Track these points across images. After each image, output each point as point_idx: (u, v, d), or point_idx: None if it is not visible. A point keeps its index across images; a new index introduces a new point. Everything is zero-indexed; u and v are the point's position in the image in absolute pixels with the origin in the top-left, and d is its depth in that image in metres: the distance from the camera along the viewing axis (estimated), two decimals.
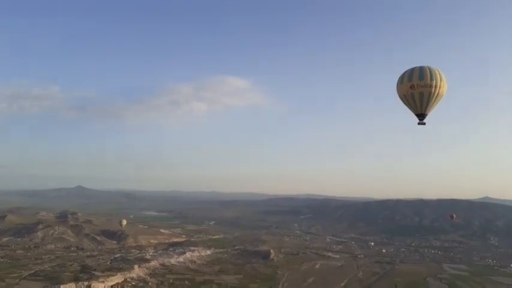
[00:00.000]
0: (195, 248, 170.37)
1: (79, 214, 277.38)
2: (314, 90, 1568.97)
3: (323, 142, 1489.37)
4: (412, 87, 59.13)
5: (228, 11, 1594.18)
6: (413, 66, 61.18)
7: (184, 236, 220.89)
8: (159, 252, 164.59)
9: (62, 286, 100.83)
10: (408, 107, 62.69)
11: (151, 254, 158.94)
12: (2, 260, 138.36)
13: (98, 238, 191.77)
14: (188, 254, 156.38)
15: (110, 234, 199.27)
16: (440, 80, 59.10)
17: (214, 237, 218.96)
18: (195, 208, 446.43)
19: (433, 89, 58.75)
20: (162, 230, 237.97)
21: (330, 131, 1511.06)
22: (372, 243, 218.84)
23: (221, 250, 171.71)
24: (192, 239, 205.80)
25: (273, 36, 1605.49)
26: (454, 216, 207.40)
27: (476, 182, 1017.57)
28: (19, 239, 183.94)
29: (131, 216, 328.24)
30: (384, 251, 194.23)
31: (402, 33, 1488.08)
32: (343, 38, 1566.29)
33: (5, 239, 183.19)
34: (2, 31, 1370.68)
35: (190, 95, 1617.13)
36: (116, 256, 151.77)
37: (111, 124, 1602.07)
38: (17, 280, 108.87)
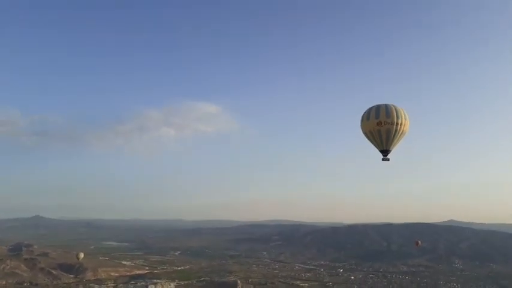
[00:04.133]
0: (158, 281, 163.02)
1: (34, 246, 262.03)
2: (285, 114, 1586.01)
3: (292, 167, 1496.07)
4: (379, 124, 60.55)
5: (198, 37, 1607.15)
6: (378, 103, 63.33)
7: (147, 267, 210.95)
8: (119, 285, 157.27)
9: None
10: (373, 143, 63.69)
11: None
12: None
13: (54, 272, 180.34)
14: (150, 287, 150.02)
15: (67, 268, 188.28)
16: (405, 119, 61.77)
17: (179, 268, 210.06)
18: (159, 237, 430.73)
19: (399, 126, 60.88)
20: (123, 262, 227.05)
21: (300, 155, 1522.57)
22: (341, 270, 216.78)
23: (186, 282, 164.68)
24: (156, 271, 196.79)
25: (244, 62, 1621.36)
26: (419, 242, 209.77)
27: (442, 205, 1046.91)
28: None
29: (92, 247, 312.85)
30: (352, 277, 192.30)
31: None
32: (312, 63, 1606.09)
33: None
34: None
35: (159, 121, 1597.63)
36: None
37: (73, 150, 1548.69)
38: None
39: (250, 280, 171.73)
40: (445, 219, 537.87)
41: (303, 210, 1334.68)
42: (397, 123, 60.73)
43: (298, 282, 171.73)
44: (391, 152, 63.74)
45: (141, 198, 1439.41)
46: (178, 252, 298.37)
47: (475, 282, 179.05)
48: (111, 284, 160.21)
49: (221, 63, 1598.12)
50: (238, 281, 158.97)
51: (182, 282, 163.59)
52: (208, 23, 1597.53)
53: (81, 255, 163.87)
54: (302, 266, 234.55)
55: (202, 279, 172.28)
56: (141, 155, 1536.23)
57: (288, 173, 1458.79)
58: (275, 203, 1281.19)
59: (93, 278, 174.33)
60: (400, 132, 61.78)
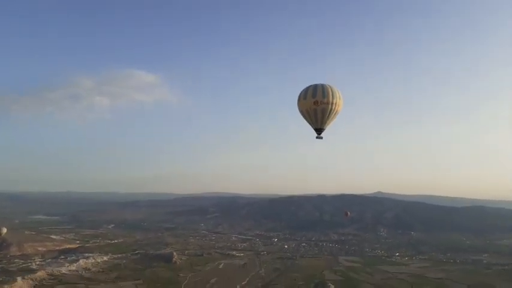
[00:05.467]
0: (90, 255, 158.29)
1: None
2: (227, 86, 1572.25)
3: (230, 139, 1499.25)
4: (315, 103, 62.22)
5: (138, 2, 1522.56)
6: (315, 82, 64.72)
7: (78, 241, 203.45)
8: (47, 261, 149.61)
9: None
10: (308, 121, 65.34)
11: (38, 263, 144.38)
12: None
13: None
14: (82, 262, 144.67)
15: None
16: (339, 98, 63.98)
17: (113, 241, 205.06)
18: (92, 211, 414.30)
19: (333, 106, 62.95)
20: (52, 236, 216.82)
21: (240, 128, 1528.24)
22: (276, 240, 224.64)
23: (119, 255, 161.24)
24: (87, 245, 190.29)
25: (187, 30, 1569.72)
26: (348, 213, 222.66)
27: (371, 177, 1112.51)
28: None
29: (16, 221, 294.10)
30: (286, 246, 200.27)
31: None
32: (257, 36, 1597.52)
33: None
34: None
35: (91, 89, 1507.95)
36: None
37: None
38: None
39: (186, 252, 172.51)
40: (373, 191, 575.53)
41: (241, 182, 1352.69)
42: (332, 103, 62.57)
43: (234, 252, 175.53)
44: (325, 130, 65.98)
45: (72, 169, 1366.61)
46: (112, 225, 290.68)
47: (397, 249, 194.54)
48: (38, 260, 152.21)
49: (162, 30, 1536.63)
50: (174, 253, 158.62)
51: (115, 256, 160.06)
52: None
53: (4, 230, 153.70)
54: (239, 236, 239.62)
55: (137, 252, 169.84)
56: (73, 125, 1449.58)
57: (227, 145, 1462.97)
58: (213, 175, 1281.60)
59: (18, 254, 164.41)
60: (335, 111, 63.91)
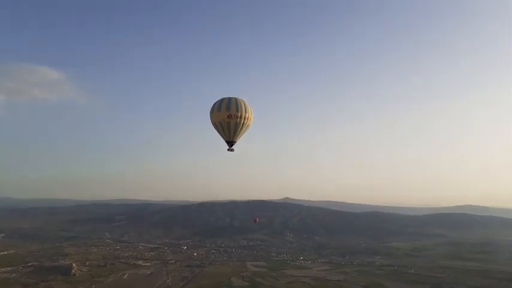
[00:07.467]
0: None
1: None
2: (139, 89, 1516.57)
3: (141, 144, 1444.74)
4: (229, 116, 62.76)
5: None
6: (229, 96, 66.08)
7: None
8: None
9: None
10: (221, 134, 65.84)
11: None
12: None
13: None
14: None
15: None
16: (251, 113, 65.56)
17: (2, 253, 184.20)
18: None
19: (245, 120, 64.28)
20: None
21: (150, 133, 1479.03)
22: (185, 247, 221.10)
23: (9, 269, 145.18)
24: None
25: (98, 27, 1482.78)
26: (257, 220, 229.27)
27: (280, 184, 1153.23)
28: None
29: None
30: (195, 254, 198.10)
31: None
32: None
33: None
34: None
35: None
36: None
37: None
38: None
39: (87, 263, 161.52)
40: (282, 197, 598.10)
41: (151, 189, 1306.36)
42: (244, 117, 63.99)
43: (140, 262, 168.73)
44: (236, 143, 67.29)
45: None
46: (2, 235, 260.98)
47: (301, 253, 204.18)
48: None
49: (70, 25, 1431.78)
50: (74, 264, 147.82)
51: (4, 269, 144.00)
52: None
53: None
54: (146, 245, 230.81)
55: (30, 264, 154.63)
56: None
57: (138, 150, 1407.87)
58: (120, 181, 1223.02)
59: None
60: (247, 125, 65.50)
